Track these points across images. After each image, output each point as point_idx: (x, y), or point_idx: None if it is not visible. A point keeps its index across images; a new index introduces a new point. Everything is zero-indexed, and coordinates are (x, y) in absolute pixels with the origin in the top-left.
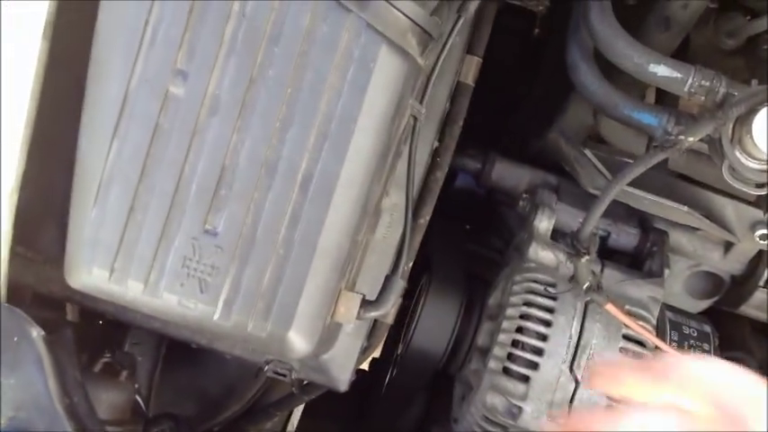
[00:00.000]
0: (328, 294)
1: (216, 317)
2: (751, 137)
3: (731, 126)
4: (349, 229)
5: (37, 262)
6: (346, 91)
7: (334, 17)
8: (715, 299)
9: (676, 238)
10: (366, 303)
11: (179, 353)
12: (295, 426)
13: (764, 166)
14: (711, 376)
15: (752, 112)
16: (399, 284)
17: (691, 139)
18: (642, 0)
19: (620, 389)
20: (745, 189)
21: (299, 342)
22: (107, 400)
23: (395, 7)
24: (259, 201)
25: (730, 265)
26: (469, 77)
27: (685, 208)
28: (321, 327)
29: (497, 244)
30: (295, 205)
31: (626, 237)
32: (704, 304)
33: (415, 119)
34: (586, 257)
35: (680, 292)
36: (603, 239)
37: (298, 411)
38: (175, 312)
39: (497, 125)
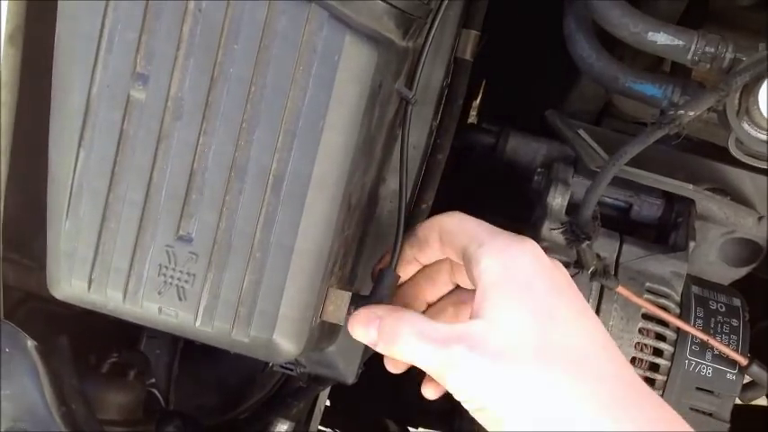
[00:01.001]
0: (312, 295)
1: (198, 324)
2: (758, 107)
3: (737, 96)
4: (328, 228)
5: (35, 269)
6: (312, 87)
7: (294, 10)
8: (753, 266)
9: (706, 205)
10: (359, 299)
11: (197, 345)
12: (322, 410)
13: None
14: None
15: (758, 79)
16: (393, 277)
17: (691, 113)
18: None
19: None
20: (754, 163)
21: (284, 345)
22: (115, 401)
23: None
24: (231, 204)
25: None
26: (467, 53)
27: (690, 186)
28: (307, 328)
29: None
30: (268, 207)
31: (649, 208)
32: (742, 272)
33: (407, 103)
34: (587, 243)
35: (715, 260)
36: (626, 212)
37: (324, 394)
38: (158, 320)
39: (521, 96)
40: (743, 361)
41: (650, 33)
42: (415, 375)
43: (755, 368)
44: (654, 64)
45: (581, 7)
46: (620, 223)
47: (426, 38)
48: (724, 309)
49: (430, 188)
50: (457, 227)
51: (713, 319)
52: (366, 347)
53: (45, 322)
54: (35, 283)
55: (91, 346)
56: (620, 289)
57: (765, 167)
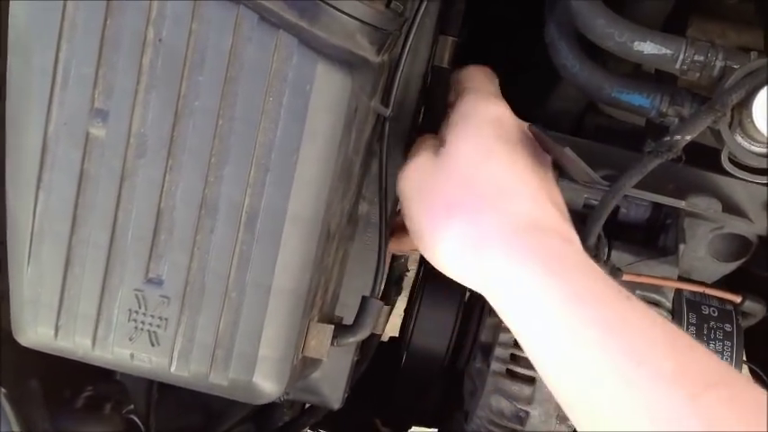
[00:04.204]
0: (292, 332)
1: (173, 369)
2: (752, 120)
3: (729, 111)
4: (306, 263)
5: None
6: (283, 118)
7: (261, 37)
8: (742, 260)
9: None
10: (342, 330)
11: None
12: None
13: None
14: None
15: (752, 92)
16: (377, 306)
17: (688, 137)
18: None
19: None
20: (747, 177)
21: (265, 386)
22: None
23: (337, 9)
24: (202, 244)
25: (756, 226)
26: (445, 60)
27: (683, 203)
28: (289, 367)
29: None
30: (242, 245)
31: (637, 210)
32: (731, 266)
33: (385, 119)
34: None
35: (704, 255)
36: (613, 214)
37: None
38: (131, 366)
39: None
40: (736, 299)
41: (636, 43)
42: (406, 377)
43: (749, 303)
44: (639, 65)
45: (563, 14)
46: (608, 225)
47: (402, 51)
48: (717, 313)
49: None
50: (464, 75)
51: (706, 325)
52: (351, 372)
53: (18, 354)
54: (5, 318)
55: (66, 380)
56: (626, 276)
57: (760, 182)
